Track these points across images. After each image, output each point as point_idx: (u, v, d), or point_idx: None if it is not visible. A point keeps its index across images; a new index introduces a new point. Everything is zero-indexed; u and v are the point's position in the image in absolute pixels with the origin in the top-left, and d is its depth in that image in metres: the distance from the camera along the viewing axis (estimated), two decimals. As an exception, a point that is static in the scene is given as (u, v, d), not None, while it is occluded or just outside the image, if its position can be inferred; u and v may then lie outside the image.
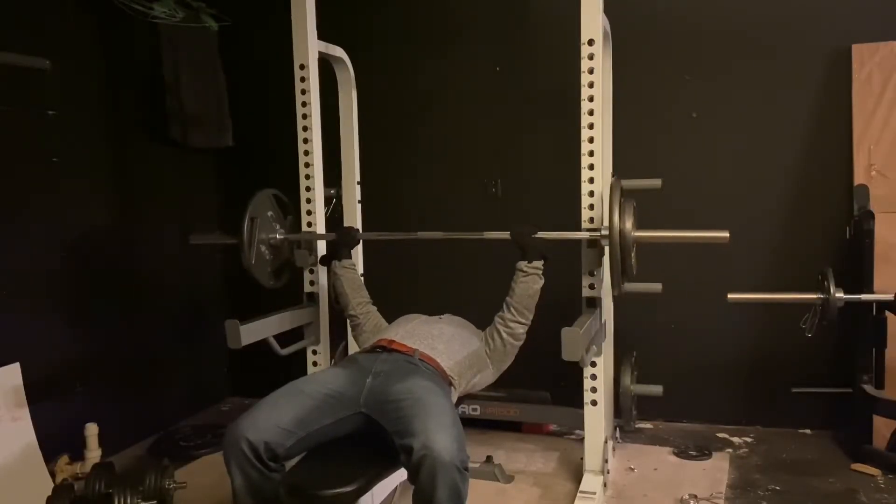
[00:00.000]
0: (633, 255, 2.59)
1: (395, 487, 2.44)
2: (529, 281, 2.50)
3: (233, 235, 2.88)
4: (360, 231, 3.24)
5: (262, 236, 2.93)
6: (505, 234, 2.59)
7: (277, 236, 3.01)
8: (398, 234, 2.90)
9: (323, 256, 2.93)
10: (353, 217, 3.38)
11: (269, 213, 2.99)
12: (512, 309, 2.49)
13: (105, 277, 3.35)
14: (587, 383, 2.76)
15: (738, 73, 3.37)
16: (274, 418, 2.06)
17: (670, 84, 3.45)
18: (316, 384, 2.24)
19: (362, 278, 3.21)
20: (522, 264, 2.52)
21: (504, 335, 2.49)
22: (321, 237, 3.01)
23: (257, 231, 2.87)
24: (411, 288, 3.74)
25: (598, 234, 2.60)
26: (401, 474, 2.20)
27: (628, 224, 2.50)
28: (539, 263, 2.52)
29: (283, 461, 2.10)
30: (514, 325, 2.48)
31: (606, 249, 2.56)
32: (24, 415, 2.83)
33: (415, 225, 3.81)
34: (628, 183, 3.09)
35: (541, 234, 2.54)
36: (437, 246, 3.71)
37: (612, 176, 3.09)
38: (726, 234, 2.52)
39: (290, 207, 3.08)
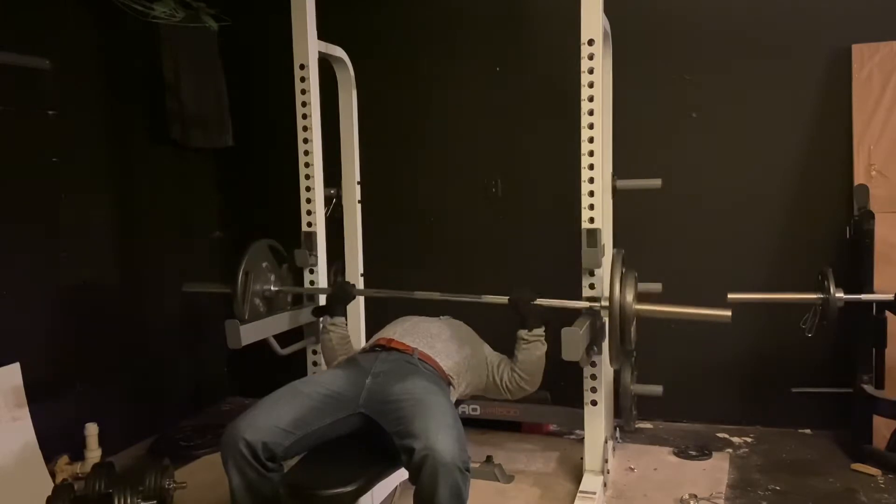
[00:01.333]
0: (633, 328, 2.59)
1: (395, 487, 2.45)
2: (532, 349, 2.46)
3: (226, 285, 2.86)
4: (356, 287, 3.08)
5: (255, 287, 2.90)
6: (503, 299, 2.55)
7: (272, 288, 2.98)
8: (397, 291, 2.87)
9: (315, 309, 2.87)
10: (353, 217, 3.37)
11: (265, 264, 2.97)
12: (517, 373, 2.48)
13: (104, 277, 3.35)
14: (587, 383, 2.76)
15: (738, 73, 3.37)
16: (272, 418, 2.06)
17: (670, 84, 3.45)
18: (315, 385, 2.24)
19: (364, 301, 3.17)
20: (523, 333, 2.47)
21: (507, 384, 2.50)
22: (318, 291, 2.98)
23: (251, 284, 2.85)
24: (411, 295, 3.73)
25: (598, 304, 2.59)
26: (401, 474, 2.21)
27: (629, 297, 2.50)
28: (540, 331, 2.47)
29: (281, 461, 2.10)
30: (517, 388, 2.50)
31: (606, 321, 2.55)
32: (24, 415, 2.83)
33: (413, 224, 3.81)
34: (628, 183, 3.10)
35: (540, 302, 2.50)
36: (437, 246, 3.73)
37: (613, 176, 3.10)
38: (728, 314, 2.50)
39: (285, 257, 3.06)
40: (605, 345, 2.66)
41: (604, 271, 2.65)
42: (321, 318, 2.79)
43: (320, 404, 2.16)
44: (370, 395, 2.20)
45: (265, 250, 2.99)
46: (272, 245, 3.02)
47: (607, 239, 2.72)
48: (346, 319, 2.76)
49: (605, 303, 2.55)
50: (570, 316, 2.59)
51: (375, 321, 2.81)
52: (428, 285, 3.71)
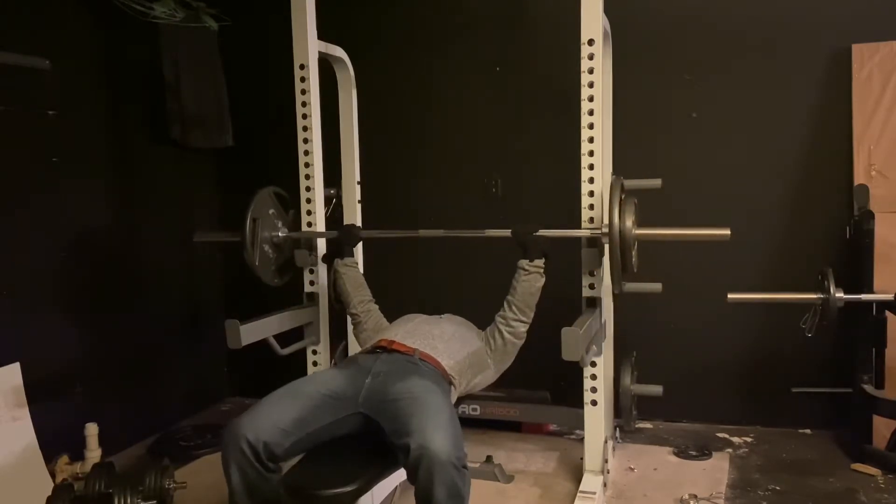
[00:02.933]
0: (633, 252, 2.59)
1: (395, 487, 2.45)
2: (531, 279, 2.50)
3: (235, 233, 2.89)
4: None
5: (264, 234, 2.93)
6: (506, 233, 2.59)
7: (280, 234, 3.01)
8: (400, 231, 2.91)
9: (325, 254, 2.92)
10: (353, 217, 3.37)
11: (271, 211, 2.99)
12: (514, 307, 2.49)
13: (105, 277, 3.35)
14: (587, 383, 2.76)
15: (738, 73, 3.37)
16: (273, 418, 2.07)
17: (670, 84, 3.45)
18: (315, 384, 2.24)
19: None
20: (524, 262, 2.52)
21: (506, 334, 2.49)
22: (323, 235, 3.01)
23: (259, 230, 2.88)
24: (411, 287, 3.74)
25: (598, 231, 2.61)
26: (400, 474, 2.20)
27: (629, 222, 2.50)
28: (540, 262, 2.53)
29: (282, 461, 2.10)
30: (516, 323, 2.49)
31: (606, 248, 2.56)
32: (24, 415, 2.83)
33: (415, 225, 3.80)
34: (628, 183, 3.09)
35: (542, 232, 2.54)
36: (437, 246, 3.72)
37: (613, 176, 3.10)
38: (727, 232, 2.53)
39: (289, 203, 3.08)
40: (605, 344, 2.67)
41: (603, 198, 2.66)
42: (332, 263, 2.83)
43: (321, 404, 2.16)
44: (370, 395, 2.20)
45: (271, 197, 3.01)
46: (277, 192, 3.03)
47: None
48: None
49: (604, 229, 2.55)
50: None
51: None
52: (428, 284, 3.75)
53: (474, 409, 3.35)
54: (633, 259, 2.61)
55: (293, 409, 2.11)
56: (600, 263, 2.68)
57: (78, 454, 3.00)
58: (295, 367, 2.99)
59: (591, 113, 2.63)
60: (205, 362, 4.00)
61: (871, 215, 3.06)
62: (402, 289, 3.64)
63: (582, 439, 2.87)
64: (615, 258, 2.51)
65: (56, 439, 2.93)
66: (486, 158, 3.71)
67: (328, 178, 3.17)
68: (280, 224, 3.03)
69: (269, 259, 2.98)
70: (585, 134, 2.64)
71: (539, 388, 3.44)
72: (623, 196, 2.54)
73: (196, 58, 3.63)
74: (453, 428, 2.00)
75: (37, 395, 2.88)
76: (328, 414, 2.16)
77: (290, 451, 2.10)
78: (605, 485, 2.82)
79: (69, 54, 3.13)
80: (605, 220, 2.55)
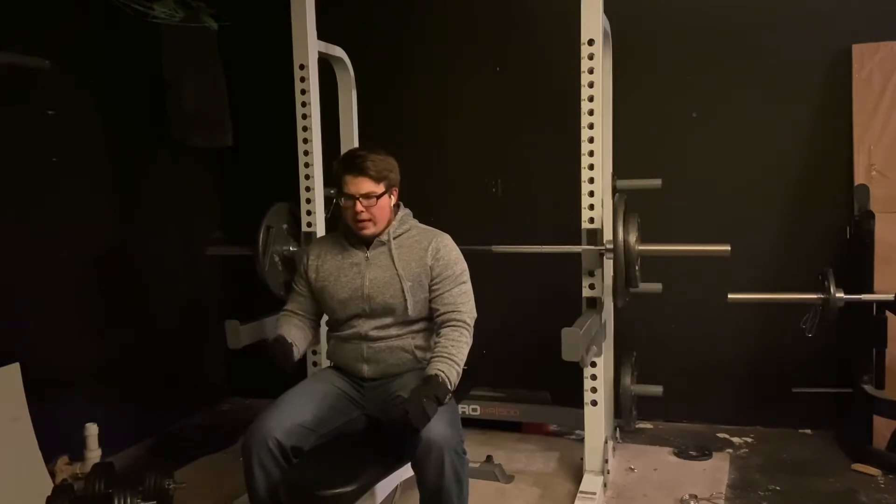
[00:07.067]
0: (637, 266, 2.62)
1: (396, 487, 2.45)
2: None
3: (246, 245, 2.95)
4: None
5: (276, 247, 2.98)
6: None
7: (291, 248, 3.05)
8: None
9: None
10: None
11: (284, 226, 3.05)
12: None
13: (105, 277, 3.34)
14: (587, 383, 2.76)
15: (738, 73, 3.37)
16: (297, 418, 2.10)
17: (670, 84, 3.45)
18: (329, 383, 2.28)
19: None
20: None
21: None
22: None
23: (272, 240, 2.93)
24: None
25: (603, 247, 2.64)
26: (400, 474, 2.21)
27: (632, 238, 2.54)
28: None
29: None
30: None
31: (611, 262, 2.58)
32: (24, 415, 2.82)
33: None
34: (628, 183, 3.10)
35: (545, 248, 2.55)
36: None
37: (613, 176, 3.10)
38: (727, 248, 2.60)
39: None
40: (605, 344, 2.68)
41: (607, 216, 2.70)
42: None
43: (337, 402, 2.22)
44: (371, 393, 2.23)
45: (286, 212, 3.07)
46: (292, 209, 3.07)
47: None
48: None
49: (609, 245, 2.61)
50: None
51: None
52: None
53: (474, 409, 3.35)
54: (637, 272, 2.65)
55: (314, 408, 2.15)
56: (601, 264, 2.68)
57: (78, 454, 3.00)
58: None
59: (591, 113, 2.63)
60: (205, 362, 4.00)
61: (871, 215, 3.06)
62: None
63: (582, 439, 2.87)
64: (619, 274, 2.55)
65: (56, 439, 2.93)
66: (487, 158, 3.70)
67: (328, 178, 3.17)
68: (292, 241, 3.08)
69: (278, 271, 3.02)
70: (585, 134, 2.64)
71: (539, 388, 3.44)
72: (626, 211, 2.57)
73: (196, 58, 3.63)
74: (449, 414, 2.05)
75: (37, 395, 2.88)
76: (343, 413, 2.22)
77: (311, 448, 2.13)
78: (605, 485, 2.82)
79: (69, 54, 3.13)
80: (609, 237, 2.58)
